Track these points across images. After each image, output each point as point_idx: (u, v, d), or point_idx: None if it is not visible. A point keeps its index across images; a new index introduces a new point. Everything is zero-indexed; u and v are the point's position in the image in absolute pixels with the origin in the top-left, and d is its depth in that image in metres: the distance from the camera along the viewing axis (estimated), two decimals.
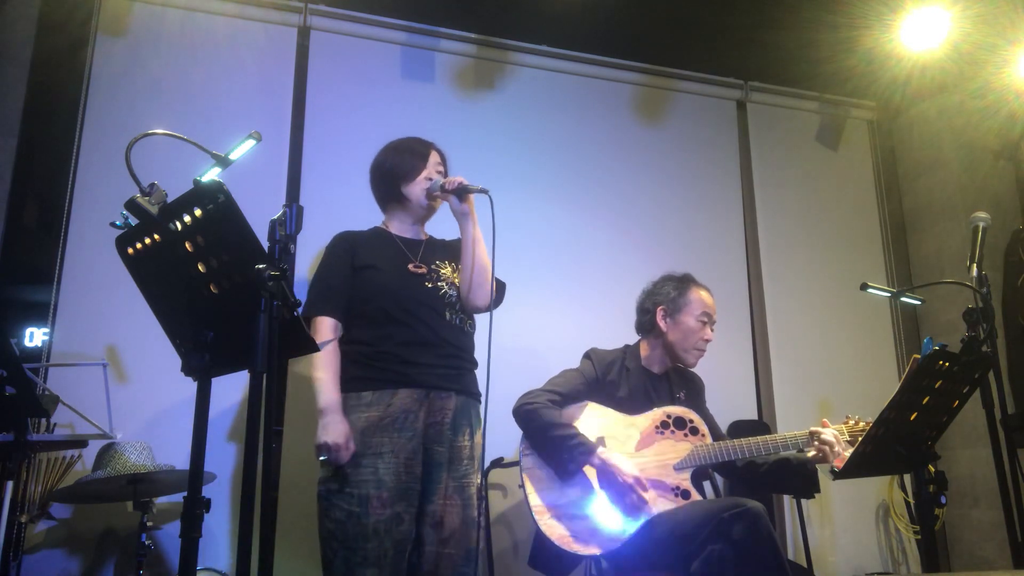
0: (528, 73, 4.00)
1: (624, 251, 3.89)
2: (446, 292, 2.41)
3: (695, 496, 2.52)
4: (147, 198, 1.51)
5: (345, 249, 2.43)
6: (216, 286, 1.52)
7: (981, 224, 2.46)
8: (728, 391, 3.83)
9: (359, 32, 3.73)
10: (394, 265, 2.41)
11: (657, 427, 2.62)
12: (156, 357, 2.71)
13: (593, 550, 2.41)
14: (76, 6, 3.31)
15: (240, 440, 3.08)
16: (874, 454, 1.99)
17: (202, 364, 1.51)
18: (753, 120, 4.41)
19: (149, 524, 2.49)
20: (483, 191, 2.31)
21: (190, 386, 1.51)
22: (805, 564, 3.45)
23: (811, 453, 2.54)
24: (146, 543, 2.46)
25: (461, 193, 2.38)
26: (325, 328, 2.33)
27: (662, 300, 2.78)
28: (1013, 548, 2.19)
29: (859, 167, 4.61)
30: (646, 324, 2.81)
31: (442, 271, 2.45)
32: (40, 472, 2.71)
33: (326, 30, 3.68)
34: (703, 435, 2.63)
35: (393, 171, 2.49)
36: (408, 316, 2.33)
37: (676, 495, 2.51)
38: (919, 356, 1.96)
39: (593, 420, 2.59)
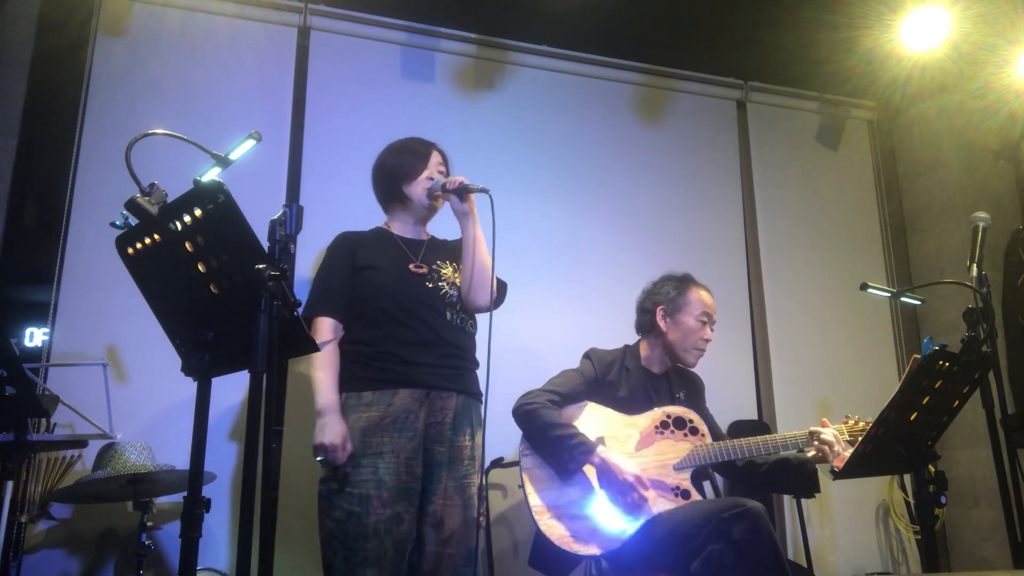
0: (528, 73, 4.00)
1: (624, 251, 3.89)
2: (447, 292, 2.41)
3: (695, 496, 2.52)
4: (147, 198, 1.51)
5: (346, 250, 2.44)
6: (216, 286, 1.52)
7: (981, 224, 2.46)
8: (728, 391, 3.83)
9: (359, 32, 3.73)
10: (395, 265, 2.42)
11: (657, 427, 2.62)
12: (156, 357, 2.71)
13: (593, 550, 2.41)
14: (76, 6, 3.31)
15: (240, 440, 3.08)
16: (874, 454, 1.99)
17: (202, 364, 1.51)
18: (753, 120, 4.41)
19: (149, 524, 2.49)
20: (483, 190, 2.31)
21: (190, 386, 1.51)
22: (805, 564, 3.45)
23: (811, 453, 2.54)
24: (146, 543, 2.46)
25: (462, 193, 2.38)
26: (324, 329, 2.33)
27: (662, 300, 2.78)
28: (1013, 548, 2.19)
29: (859, 167, 4.61)
30: (646, 324, 2.81)
31: (443, 271, 2.46)
32: (40, 472, 2.71)
33: (326, 30, 3.68)
34: (703, 435, 2.63)
35: (394, 171, 2.50)
36: (408, 316, 2.34)
37: (676, 495, 2.51)
38: (919, 356, 1.96)
39: (593, 420, 2.59)
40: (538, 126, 3.93)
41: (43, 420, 2.62)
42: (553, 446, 2.48)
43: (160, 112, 3.28)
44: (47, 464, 2.73)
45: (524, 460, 2.54)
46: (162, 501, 2.79)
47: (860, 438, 2.13)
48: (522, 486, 2.50)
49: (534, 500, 2.47)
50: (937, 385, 1.94)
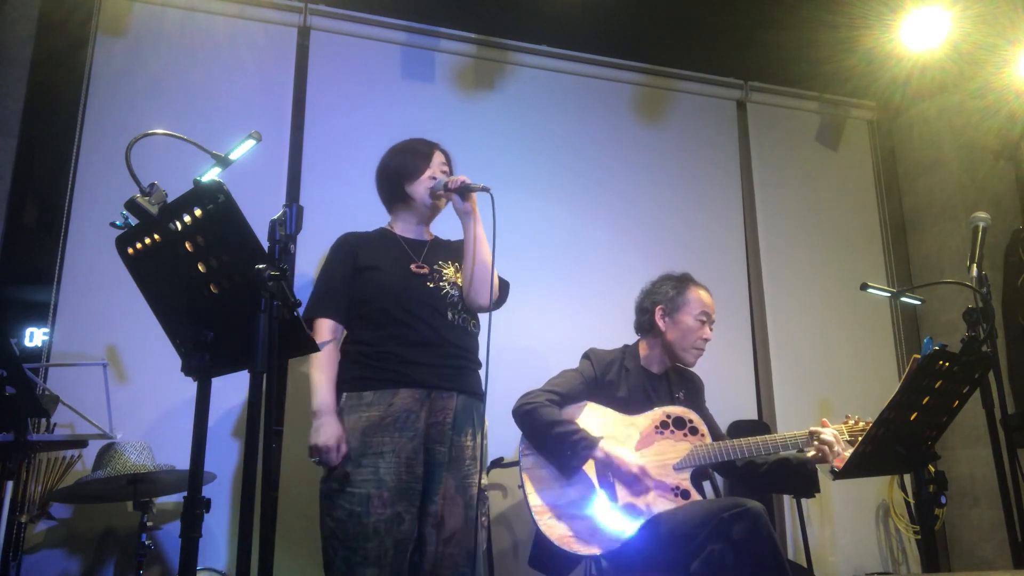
0: (528, 73, 4.00)
1: (624, 251, 3.89)
2: (448, 292, 2.42)
3: (695, 496, 2.52)
4: (147, 198, 1.51)
5: (347, 251, 2.44)
6: (216, 286, 1.52)
7: (981, 224, 2.46)
8: (728, 391, 3.83)
9: (359, 32, 3.73)
10: (396, 266, 2.42)
11: (657, 427, 2.62)
12: (156, 357, 2.71)
13: (593, 550, 2.41)
14: (76, 6, 3.31)
15: (240, 440, 3.08)
16: (874, 454, 2.00)
17: (202, 364, 1.51)
18: (753, 120, 4.41)
19: (149, 524, 2.49)
20: (485, 189, 2.32)
21: (190, 386, 1.51)
22: (805, 564, 3.45)
23: (811, 453, 2.55)
24: (146, 543, 2.46)
25: (463, 192, 2.38)
26: (324, 330, 2.34)
27: (661, 299, 2.78)
28: (1013, 548, 2.19)
29: (859, 167, 4.61)
30: (645, 324, 2.81)
31: (444, 271, 2.46)
32: (40, 472, 2.71)
33: (326, 30, 3.68)
34: (703, 435, 2.63)
35: (398, 171, 2.51)
36: (409, 316, 2.34)
37: (676, 495, 2.51)
38: (919, 356, 1.96)
39: (592, 420, 2.59)
40: (538, 126, 3.92)
41: (43, 420, 2.62)
42: (555, 443, 2.48)
43: (160, 112, 3.28)
44: (47, 464, 2.73)
45: (524, 460, 2.54)
46: (162, 501, 2.79)
47: (860, 438, 2.13)
48: (522, 486, 2.50)
49: (534, 500, 2.47)
50: (937, 385, 1.94)
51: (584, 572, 2.77)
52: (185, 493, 1.48)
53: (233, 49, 3.47)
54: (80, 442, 2.63)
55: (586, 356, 2.76)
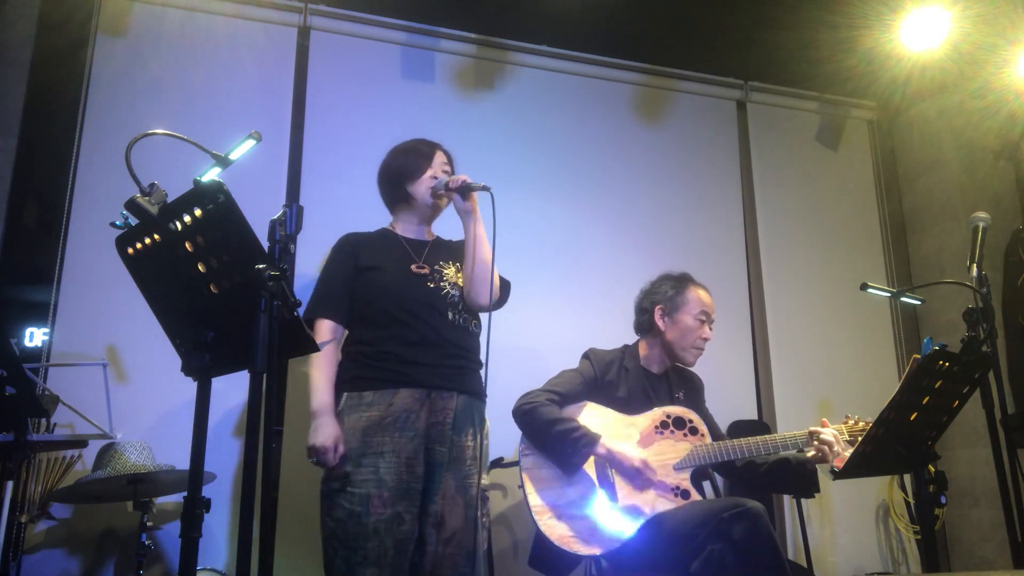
0: (528, 73, 4.00)
1: (624, 251, 3.89)
2: (448, 292, 2.42)
3: (695, 496, 2.52)
4: (147, 198, 1.51)
5: (348, 252, 2.45)
6: (216, 286, 1.52)
7: (981, 224, 2.46)
8: (728, 391, 3.83)
9: (359, 32, 3.73)
10: (397, 266, 2.42)
11: (656, 427, 2.62)
12: (156, 357, 2.71)
13: (593, 550, 2.41)
14: (76, 6, 3.31)
15: (240, 440, 3.08)
16: (874, 454, 2.00)
17: (202, 364, 1.51)
18: (753, 120, 4.41)
19: (149, 524, 2.49)
20: (485, 188, 2.32)
21: (190, 386, 1.51)
22: (805, 564, 3.45)
23: (810, 453, 2.55)
24: (146, 543, 2.46)
25: (464, 191, 2.38)
26: (323, 331, 2.35)
27: (660, 299, 2.78)
28: (1013, 548, 2.19)
29: (859, 167, 4.61)
30: (644, 324, 2.81)
31: (445, 271, 2.46)
32: (40, 472, 2.71)
33: (326, 30, 3.68)
34: (702, 435, 2.63)
35: (399, 171, 2.51)
36: (410, 316, 2.34)
37: (676, 495, 2.51)
38: (919, 356, 1.96)
39: (592, 420, 2.59)
40: (538, 126, 3.93)
41: (43, 420, 2.62)
42: (556, 441, 2.48)
43: (160, 112, 3.28)
44: (47, 464, 2.73)
45: (524, 460, 2.54)
46: (162, 501, 2.79)
47: (860, 438, 2.13)
48: (522, 486, 2.50)
49: (534, 500, 2.47)
50: (937, 385, 1.94)
51: (584, 572, 2.77)
52: (185, 493, 1.48)
53: (233, 49, 3.47)
54: (80, 442, 2.63)
55: (586, 356, 2.76)
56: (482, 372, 2.43)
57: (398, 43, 3.79)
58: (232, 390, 3.08)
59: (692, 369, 2.84)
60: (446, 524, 2.26)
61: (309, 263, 3.19)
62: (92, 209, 3.09)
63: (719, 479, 2.99)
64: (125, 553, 2.87)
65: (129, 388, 2.98)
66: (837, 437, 2.52)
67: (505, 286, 2.54)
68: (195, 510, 1.46)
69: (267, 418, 1.49)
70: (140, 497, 2.49)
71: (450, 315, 2.39)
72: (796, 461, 2.61)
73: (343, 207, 3.30)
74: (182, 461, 1.89)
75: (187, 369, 1.54)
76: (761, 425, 3.92)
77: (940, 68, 4.01)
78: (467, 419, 2.36)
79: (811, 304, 4.19)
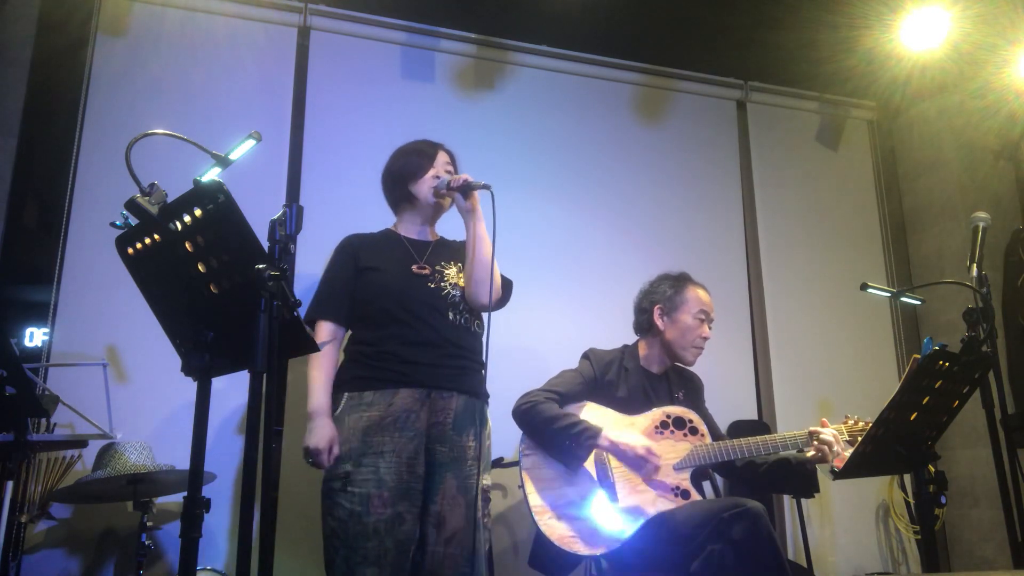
0: (528, 73, 4.00)
1: (624, 251, 3.89)
2: (449, 292, 2.42)
3: (695, 496, 2.52)
4: (147, 198, 1.51)
5: (349, 253, 2.45)
6: (216, 286, 1.52)
7: (981, 224, 2.47)
8: (728, 391, 3.83)
9: (359, 32, 3.73)
10: (398, 266, 2.43)
11: (656, 427, 2.62)
12: (156, 357, 2.71)
13: (593, 550, 2.41)
14: (76, 6, 3.31)
15: (240, 440, 3.08)
16: (874, 454, 2.00)
17: (202, 364, 1.51)
18: (753, 120, 4.41)
19: (149, 524, 2.49)
20: (485, 187, 2.32)
21: (190, 386, 1.51)
22: (805, 564, 3.45)
23: (810, 453, 2.54)
24: (146, 543, 2.46)
25: (465, 190, 2.39)
26: (323, 331, 2.36)
27: (659, 299, 2.78)
28: (1013, 548, 2.19)
29: (859, 167, 4.61)
30: (644, 323, 2.81)
31: (446, 271, 2.46)
32: (40, 472, 2.71)
33: (326, 30, 3.68)
34: (702, 435, 2.63)
35: (402, 171, 2.52)
36: (410, 316, 2.34)
37: (676, 495, 2.51)
38: (919, 356, 1.96)
39: (592, 420, 2.58)
40: (538, 126, 3.92)
41: (43, 420, 2.62)
42: (558, 438, 2.47)
43: (160, 112, 3.28)
44: (47, 464, 2.73)
45: (524, 460, 2.54)
46: (162, 501, 2.79)
47: (860, 438, 2.13)
48: (522, 486, 2.50)
49: (534, 500, 2.47)
50: (937, 385, 1.94)
51: (584, 572, 2.77)
52: (185, 493, 1.48)
53: (233, 49, 3.47)
54: (80, 442, 2.63)
55: (585, 356, 2.76)
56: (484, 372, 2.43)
57: (398, 43, 3.79)
58: (232, 390, 3.08)
59: (692, 369, 2.84)
60: (447, 524, 2.26)
61: (309, 263, 3.19)
62: (92, 209, 3.09)
63: (719, 479, 3.00)
64: (125, 553, 2.87)
65: (129, 388, 2.98)
66: (837, 437, 2.52)
67: (507, 285, 2.54)
68: (195, 510, 1.46)
69: (267, 418, 1.50)
70: (140, 497, 2.49)
71: (451, 315, 2.39)
72: (796, 461, 2.61)
73: (343, 207, 3.30)
74: (182, 461, 1.89)
75: (187, 369, 1.54)
76: (761, 425, 3.92)
77: (940, 68, 4.01)
78: (468, 419, 2.35)
79: (811, 304, 4.19)
